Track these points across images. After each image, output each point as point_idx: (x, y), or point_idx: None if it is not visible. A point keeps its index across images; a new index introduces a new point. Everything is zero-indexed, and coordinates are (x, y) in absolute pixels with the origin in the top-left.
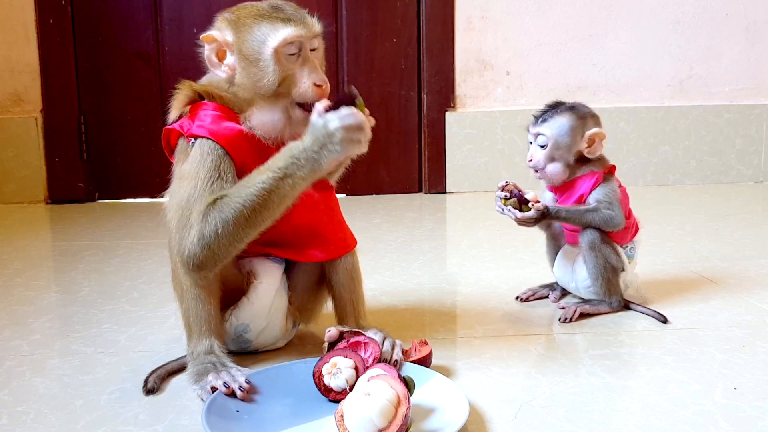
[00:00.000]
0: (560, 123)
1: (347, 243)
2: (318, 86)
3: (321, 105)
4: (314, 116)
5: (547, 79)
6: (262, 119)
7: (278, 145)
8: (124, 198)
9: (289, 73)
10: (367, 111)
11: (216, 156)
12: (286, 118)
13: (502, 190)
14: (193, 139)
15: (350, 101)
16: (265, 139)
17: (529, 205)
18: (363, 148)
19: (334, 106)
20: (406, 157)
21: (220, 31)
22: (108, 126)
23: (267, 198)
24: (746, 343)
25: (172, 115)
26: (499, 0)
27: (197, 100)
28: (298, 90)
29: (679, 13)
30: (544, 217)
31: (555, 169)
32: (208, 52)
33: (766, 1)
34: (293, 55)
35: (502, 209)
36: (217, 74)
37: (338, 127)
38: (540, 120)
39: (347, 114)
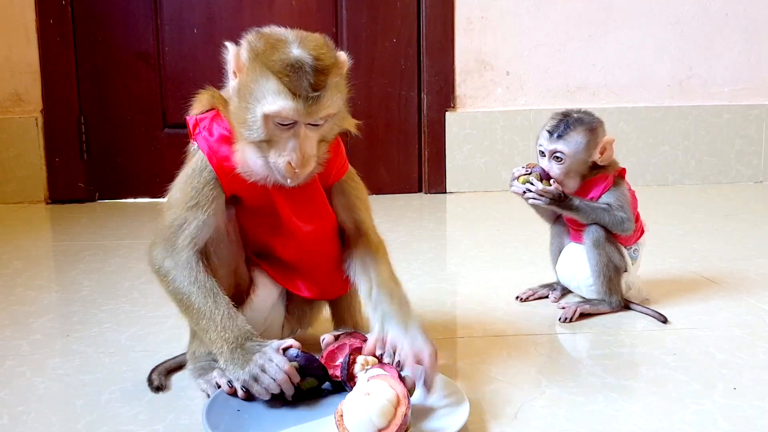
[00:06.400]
0: (577, 140)
1: (333, 292)
2: (290, 165)
3: (282, 345)
4: (270, 348)
5: (547, 79)
6: (245, 158)
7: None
8: (125, 198)
9: (275, 139)
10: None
11: (203, 179)
12: (268, 170)
13: (526, 166)
14: (195, 144)
15: (317, 373)
16: (247, 176)
17: (551, 181)
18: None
19: (302, 364)
20: (406, 157)
21: (244, 49)
22: (108, 126)
23: (199, 316)
24: (746, 343)
25: (195, 110)
26: (499, 0)
27: (216, 108)
28: (274, 158)
29: (678, 14)
30: (560, 200)
31: (571, 183)
32: (228, 59)
33: (766, 1)
34: (286, 126)
35: (519, 188)
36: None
37: (257, 374)
38: (555, 136)
39: (269, 381)
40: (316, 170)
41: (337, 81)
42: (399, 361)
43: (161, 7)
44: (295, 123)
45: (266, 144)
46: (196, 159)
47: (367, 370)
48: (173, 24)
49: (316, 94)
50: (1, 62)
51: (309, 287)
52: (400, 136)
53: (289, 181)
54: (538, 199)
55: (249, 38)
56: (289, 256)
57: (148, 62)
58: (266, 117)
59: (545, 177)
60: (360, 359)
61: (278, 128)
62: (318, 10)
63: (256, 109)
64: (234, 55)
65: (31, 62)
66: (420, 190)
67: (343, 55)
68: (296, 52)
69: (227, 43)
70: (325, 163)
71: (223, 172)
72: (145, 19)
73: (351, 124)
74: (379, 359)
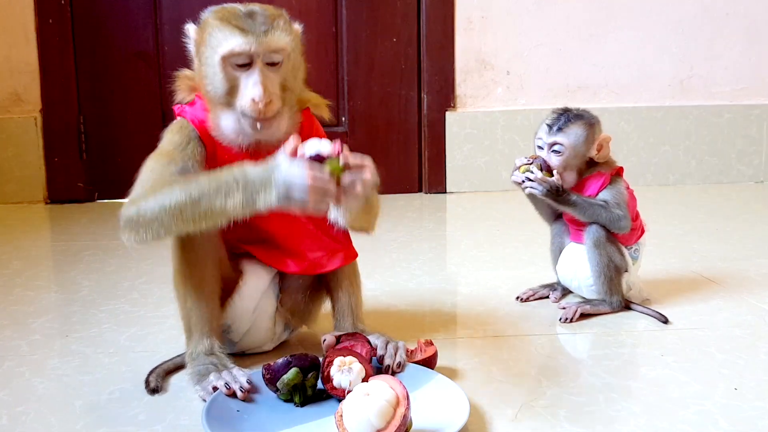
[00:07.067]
0: (576, 132)
1: (323, 264)
2: (255, 102)
3: (292, 146)
4: (283, 156)
5: (547, 79)
6: (219, 123)
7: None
8: (124, 198)
9: (235, 83)
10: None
11: (185, 136)
12: (238, 125)
13: (529, 157)
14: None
15: (302, 364)
16: (226, 142)
17: (553, 173)
18: (323, 208)
19: (311, 157)
20: (406, 157)
21: (199, 27)
22: (108, 126)
23: (197, 202)
24: (747, 343)
25: (179, 98)
26: (499, 0)
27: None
28: (239, 102)
29: (679, 13)
30: (558, 194)
31: (569, 177)
32: (190, 36)
33: (766, 1)
34: (243, 66)
35: (519, 178)
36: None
37: (299, 185)
38: (556, 128)
39: (316, 177)
40: (287, 125)
41: (285, 25)
42: (400, 363)
43: (161, 7)
44: (251, 63)
45: (231, 96)
46: (177, 121)
47: (344, 371)
48: (173, 24)
49: (265, 28)
50: (1, 62)
51: (297, 262)
52: (400, 136)
53: (258, 125)
54: (536, 188)
55: (204, 14)
56: (273, 227)
57: (148, 62)
58: (223, 59)
59: (546, 168)
60: (337, 361)
61: (237, 70)
62: (318, 10)
63: (213, 58)
64: (195, 30)
65: (30, 62)
66: (420, 190)
67: (297, 25)
68: (244, 7)
69: (188, 25)
70: (299, 129)
71: (204, 131)
72: (145, 19)
73: (322, 105)
74: (357, 356)
